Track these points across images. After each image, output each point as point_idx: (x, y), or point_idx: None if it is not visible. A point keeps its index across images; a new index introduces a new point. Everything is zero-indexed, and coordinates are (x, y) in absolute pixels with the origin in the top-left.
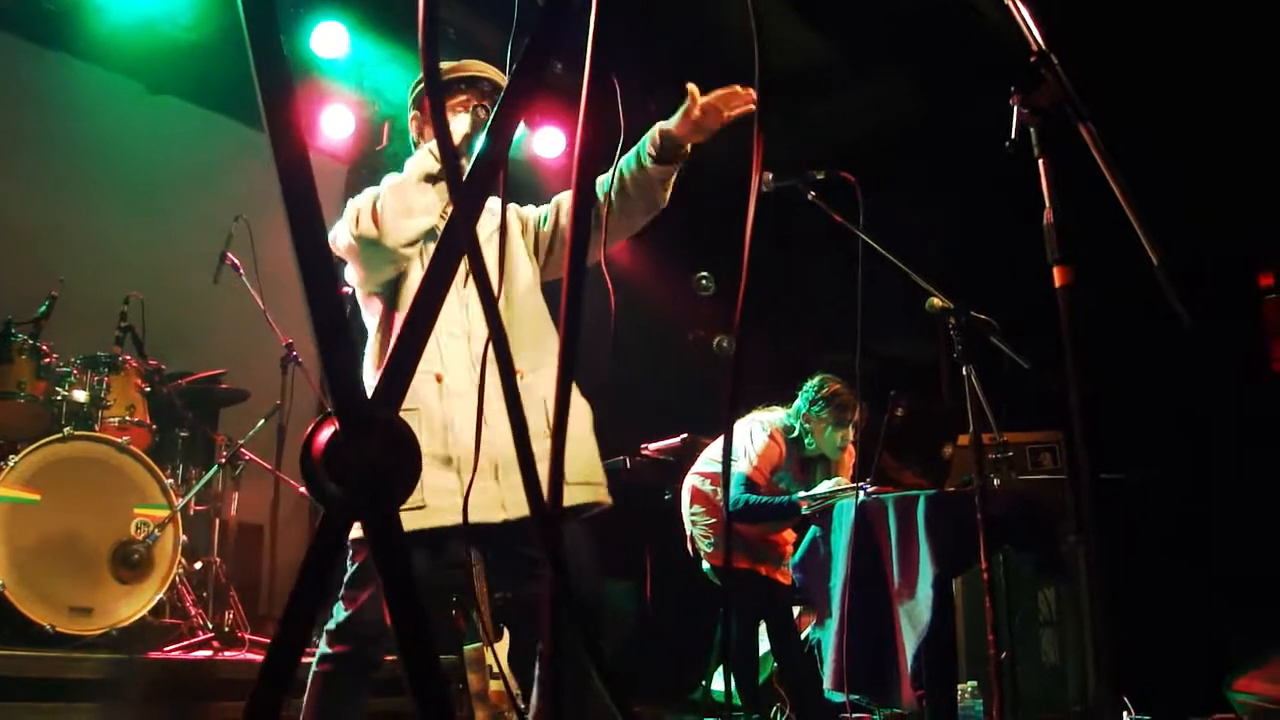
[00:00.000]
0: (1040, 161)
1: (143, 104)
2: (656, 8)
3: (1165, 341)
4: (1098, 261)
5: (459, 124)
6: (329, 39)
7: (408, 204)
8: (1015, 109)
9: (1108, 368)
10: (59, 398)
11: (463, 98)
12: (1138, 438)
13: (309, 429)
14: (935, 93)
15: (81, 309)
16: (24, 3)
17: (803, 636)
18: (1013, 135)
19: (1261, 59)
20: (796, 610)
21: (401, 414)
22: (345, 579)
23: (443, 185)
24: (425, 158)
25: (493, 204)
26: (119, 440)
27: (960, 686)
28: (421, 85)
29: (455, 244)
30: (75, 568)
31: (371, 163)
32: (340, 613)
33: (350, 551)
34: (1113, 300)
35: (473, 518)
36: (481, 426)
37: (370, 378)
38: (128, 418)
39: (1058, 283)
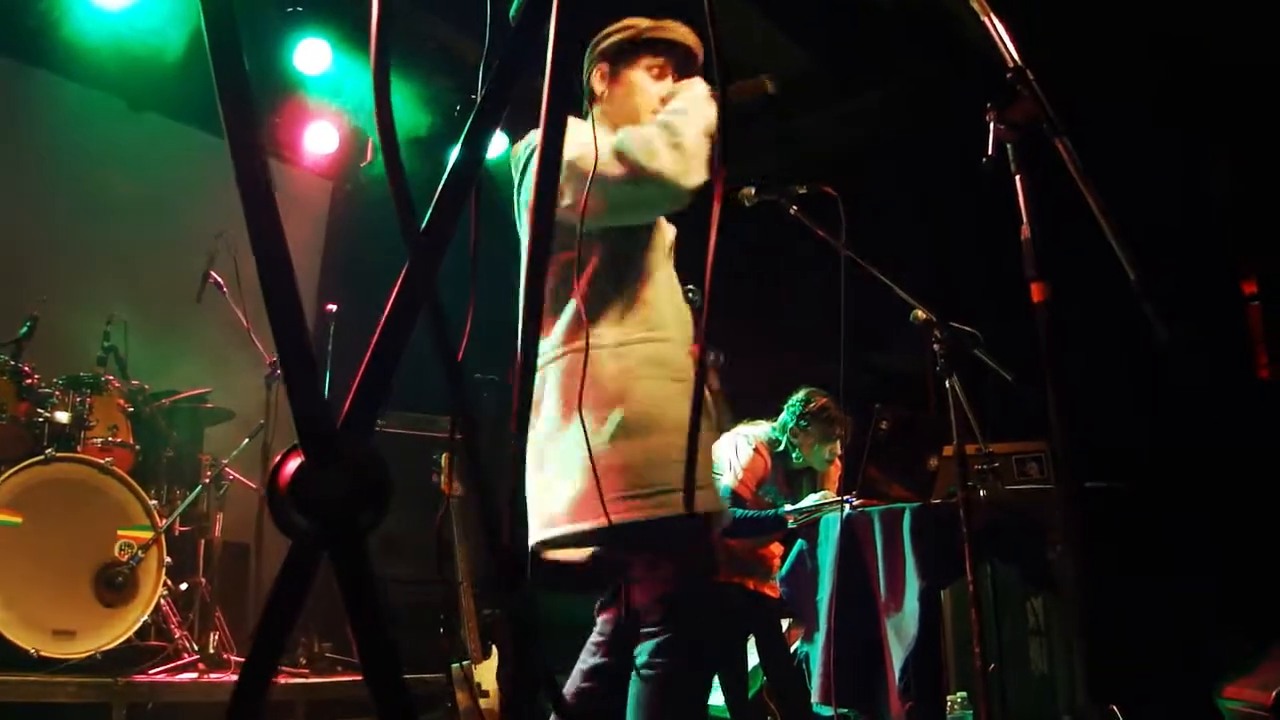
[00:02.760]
0: (1016, 177)
1: (124, 120)
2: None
3: (1149, 351)
4: (1078, 274)
5: (659, 88)
6: (311, 56)
7: (702, 153)
8: (991, 125)
9: (1091, 379)
10: (41, 419)
11: (659, 60)
12: (1125, 447)
13: (275, 460)
14: (918, 104)
15: (63, 329)
16: (3, 19)
17: (792, 650)
18: (989, 151)
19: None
20: (786, 623)
21: (672, 382)
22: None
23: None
24: (714, 111)
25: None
26: (101, 461)
27: (949, 698)
28: (615, 37)
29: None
30: (58, 590)
31: (355, 178)
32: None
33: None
34: (1094, 311)
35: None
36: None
37: (615, 328)
38: (110, 438)
39: (1035, 298)
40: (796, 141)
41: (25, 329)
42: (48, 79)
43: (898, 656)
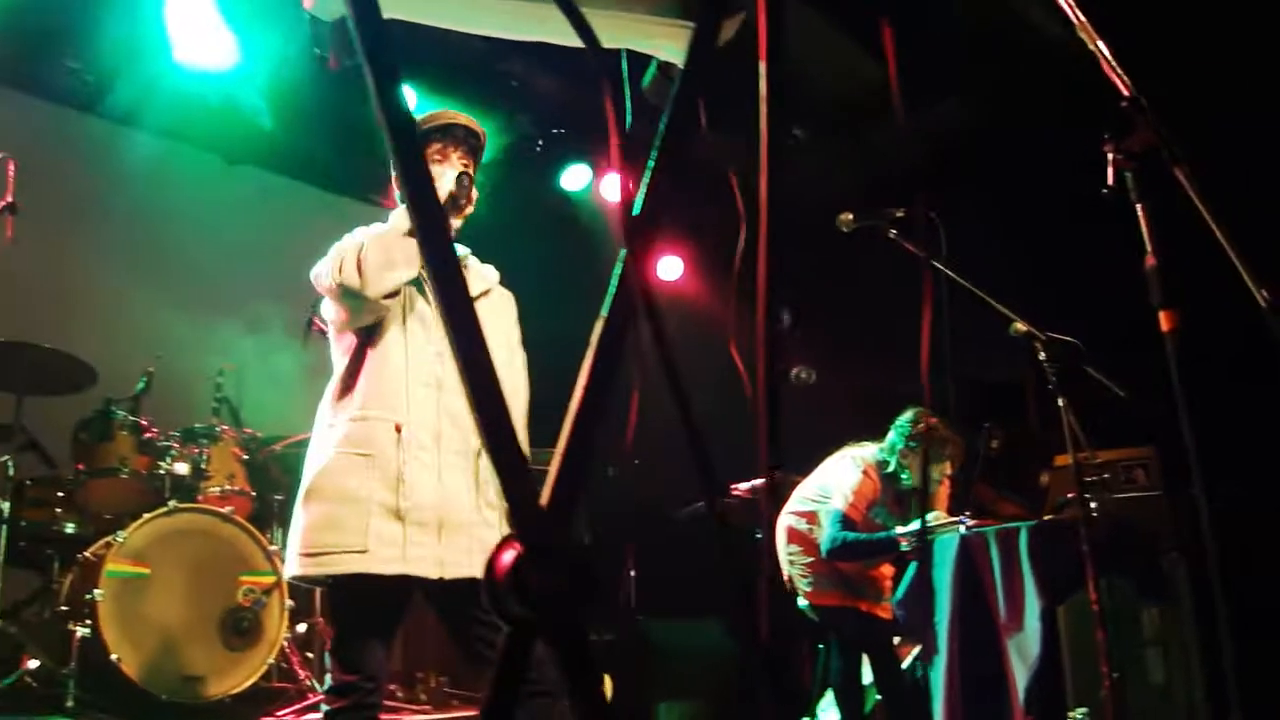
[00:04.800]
0: (1138, 206)
1: (221, 175)
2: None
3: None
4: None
5: (441, 179)
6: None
7: (390, 256)
8: (1110, 156)
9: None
10: (161, 471)
11: (438, 146)
12: (1245, 459)
13: (491, 552)
14: (997, 113)
15: (178, 382)
16: (105, 88)
17: (904, 666)
18: (1109, 182)
19: None
20: (895, 640)
21: (355, 456)
22: (332, 641)
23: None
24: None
25: (486, 271)
26: (222, 510)
27: (1070, 714)
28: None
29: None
30: (186, 637)
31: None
32: (335, 672)
33: (333, 613)
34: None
35: (411, 571)
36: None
37: (328, 412)
38: (228, 486)
39: (1164, 327)
40: (873, 156)
41: (142, 384)
42: (148, 140)
43: (1021, 677)
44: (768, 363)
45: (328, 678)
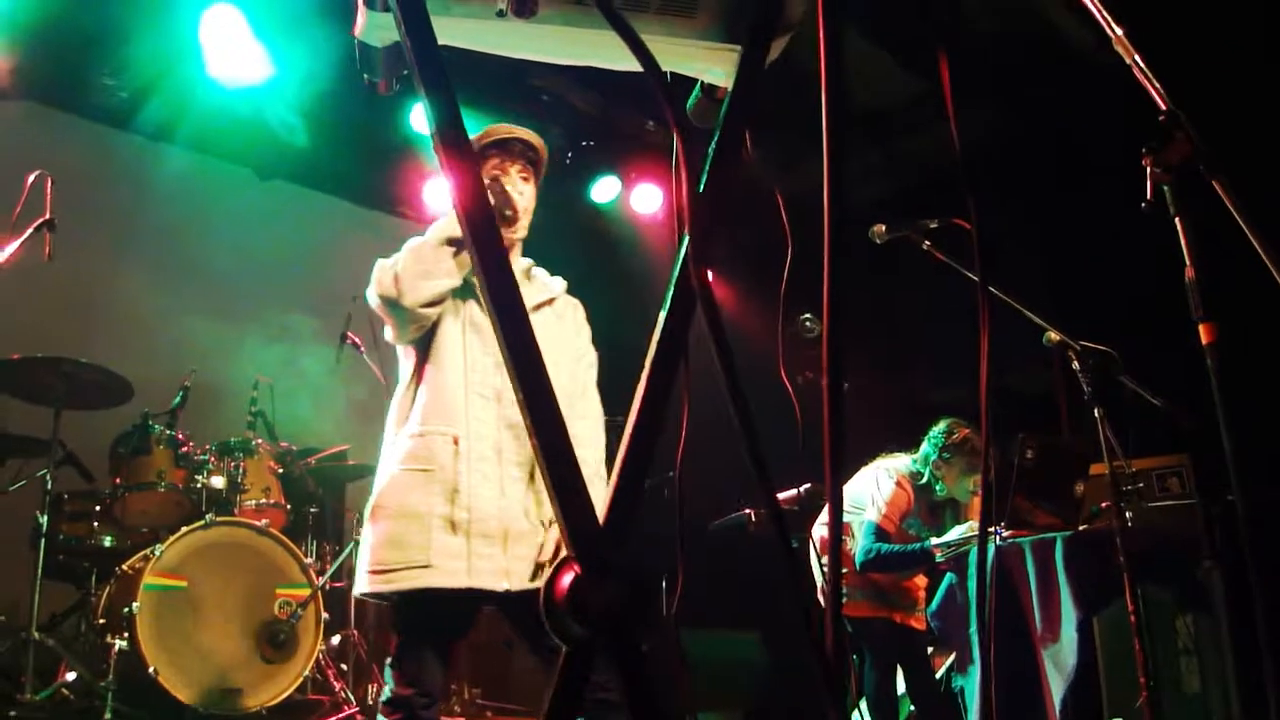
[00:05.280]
0: (1177, 220)
1: (254, 189)
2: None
3: None
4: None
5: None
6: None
7: (426, 266)
8: (1148, 170)
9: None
10: (198, 485)
11: (496, 161)
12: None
13: (549, 573)
14: (1028, 119)
15: (213, 396)
16: (136, 103)
17: (938, 676)
18: (1148, 196)
19: None
20: (929, 650)
21: (416, 471)
22: (393, 653)
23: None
24: (449, 221)
25: (553, 282)
26: (258, 523)
27: None
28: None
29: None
30: (224, 650)
31: None
32: (393, 685)
33: (397, 625)
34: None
35: (475, 584)
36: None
37: (391, 429)
38: (264, 500)
39: (1204, 340)
40: (906, 165)
41: (179, 399)
42: (180, 155)
43: (1057, 688)
44: (832, 379)
45: (385, 689)
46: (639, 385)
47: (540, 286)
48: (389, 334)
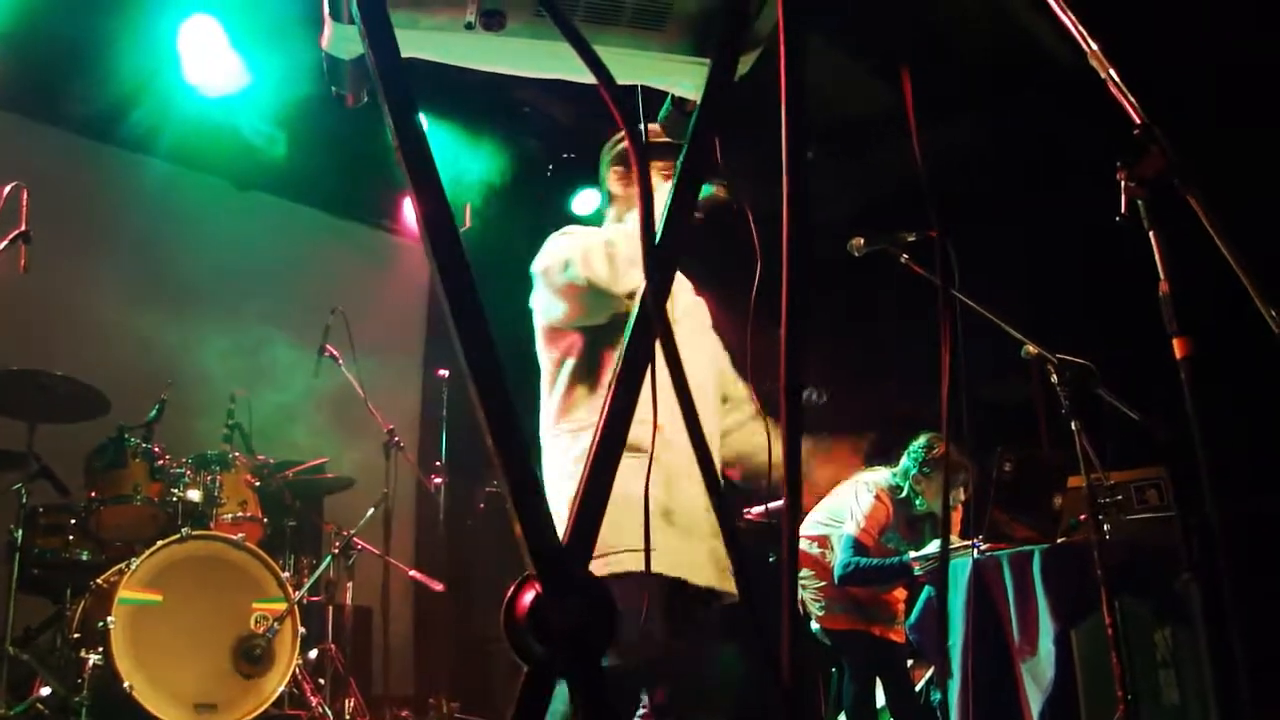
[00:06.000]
0: (1151, 234)
1: (232, 201)
2: None
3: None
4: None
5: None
6: None
7: (638, 254)
8: (1122, 184)
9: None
10: (174, 498)
11: (667, 163)
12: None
13: (510, 591)
14: (1005, 133)
15: (189, 409)
16: (115, 114)
17: (917, 689)
18: (1122, 210)
19: None
20: (909, 663)
21: (625, 458)
22: None
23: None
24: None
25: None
26: (235, 537)
27: None
28: (623, 144)
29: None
30: (199, 665)
31: None
32: None
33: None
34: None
35: (692, 578)
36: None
37: (584, 413)
38: (240, 513)
39: (1178, 354)
40: (885, 176)
41: (155, 412)
42: (158, 166)
43: (1035, 701)
44: (790, 384)
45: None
46: (603, 403)
47: (682, 288)
48: (558, 316)
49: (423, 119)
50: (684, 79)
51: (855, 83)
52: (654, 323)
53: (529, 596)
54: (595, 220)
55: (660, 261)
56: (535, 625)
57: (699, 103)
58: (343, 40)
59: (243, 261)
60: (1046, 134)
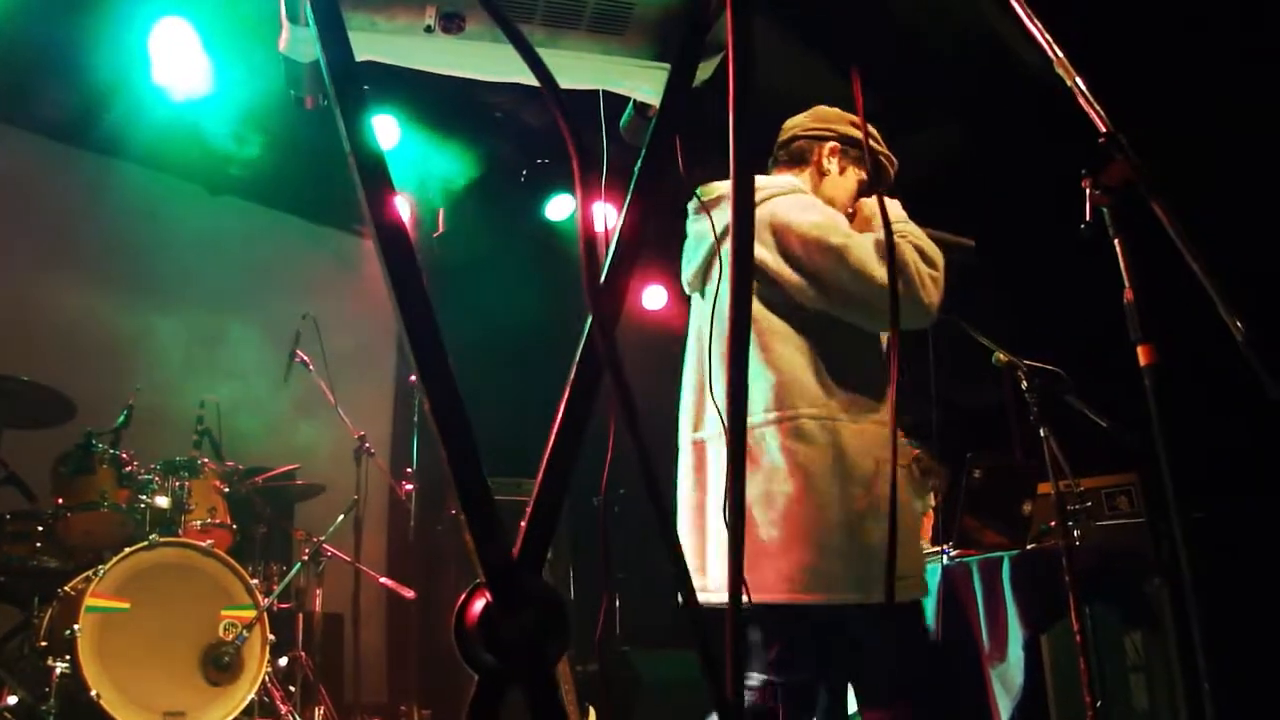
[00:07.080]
0: (1116, 241)
1: (203, 205)
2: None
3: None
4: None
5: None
6: (381, 131)
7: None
8: (1087, 191)
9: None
10: (142, 505)
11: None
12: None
13: (460, 600)
14: (981, 139)
15: (158, 415)
16: (86, 117)
17: None
18: (1086, 217)
19: None
20: None
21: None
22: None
23: None
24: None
25: None
26: (203, 544)
27: None
28: (853, 133)
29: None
30: (168, 673)
31: (428, 249)
32: None
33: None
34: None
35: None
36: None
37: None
38: (209, 520)
39: (1143, 361)
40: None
41: (123, 418)
42: (128, 169)
43: (1005, 707)
44: (734, 388)
45: None
46: (555, 417)
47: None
48: (845, 303)
49: (393, 122)
50: (645, 84)
51: (828, 87)
52: (601, 357)
53: (479, 605)
54: (567, 226)
55: (602, 300)
56: (485, 635)
57: (658, 108)
58: (299, 43)
59: (214, 266)
60: (1027, 141)
